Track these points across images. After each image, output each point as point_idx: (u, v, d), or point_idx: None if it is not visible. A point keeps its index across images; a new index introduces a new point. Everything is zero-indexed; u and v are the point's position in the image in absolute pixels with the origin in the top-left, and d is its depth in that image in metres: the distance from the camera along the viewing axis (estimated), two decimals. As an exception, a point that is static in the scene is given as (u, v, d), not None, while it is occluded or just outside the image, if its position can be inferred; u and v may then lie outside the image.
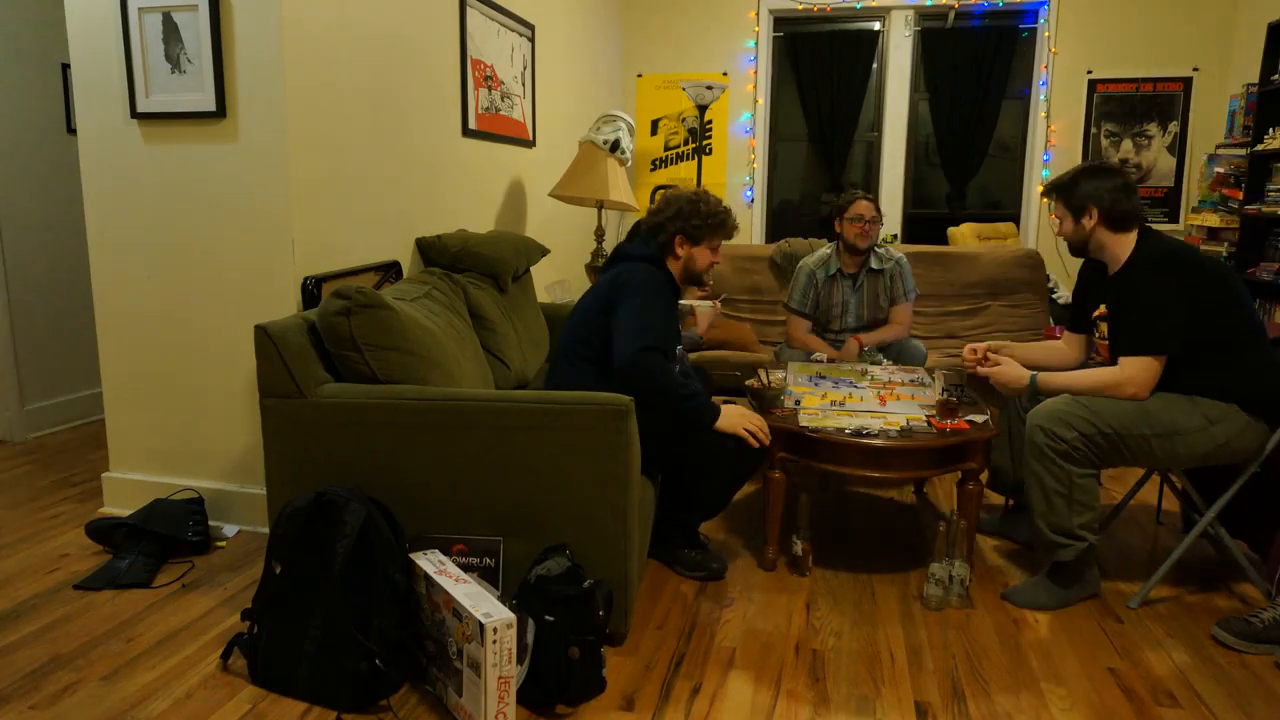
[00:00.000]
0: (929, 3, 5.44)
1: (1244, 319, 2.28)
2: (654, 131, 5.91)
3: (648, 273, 2.50)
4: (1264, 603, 2.38)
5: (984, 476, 2.52)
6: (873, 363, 3.19)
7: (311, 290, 2.63)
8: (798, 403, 2.66)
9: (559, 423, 2.03)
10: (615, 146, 4.04)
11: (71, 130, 3.95)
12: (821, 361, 3.27)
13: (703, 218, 2.54)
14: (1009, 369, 2.52)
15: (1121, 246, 2.37)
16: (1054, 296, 4.71)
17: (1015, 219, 5.59)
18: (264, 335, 2.12)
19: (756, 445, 2.36)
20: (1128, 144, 5.30)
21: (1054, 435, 2.28)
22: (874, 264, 3.42)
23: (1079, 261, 2.58)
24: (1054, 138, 5.41)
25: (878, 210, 3.36)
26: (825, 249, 3.51)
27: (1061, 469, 2.29)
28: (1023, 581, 2.48)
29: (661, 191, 2.72)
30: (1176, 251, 2.30)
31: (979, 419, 2.55)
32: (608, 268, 2.62)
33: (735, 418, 2.36)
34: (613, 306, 2.43)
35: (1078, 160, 5.35)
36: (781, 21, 5.74)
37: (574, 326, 2.55)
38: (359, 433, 2.12)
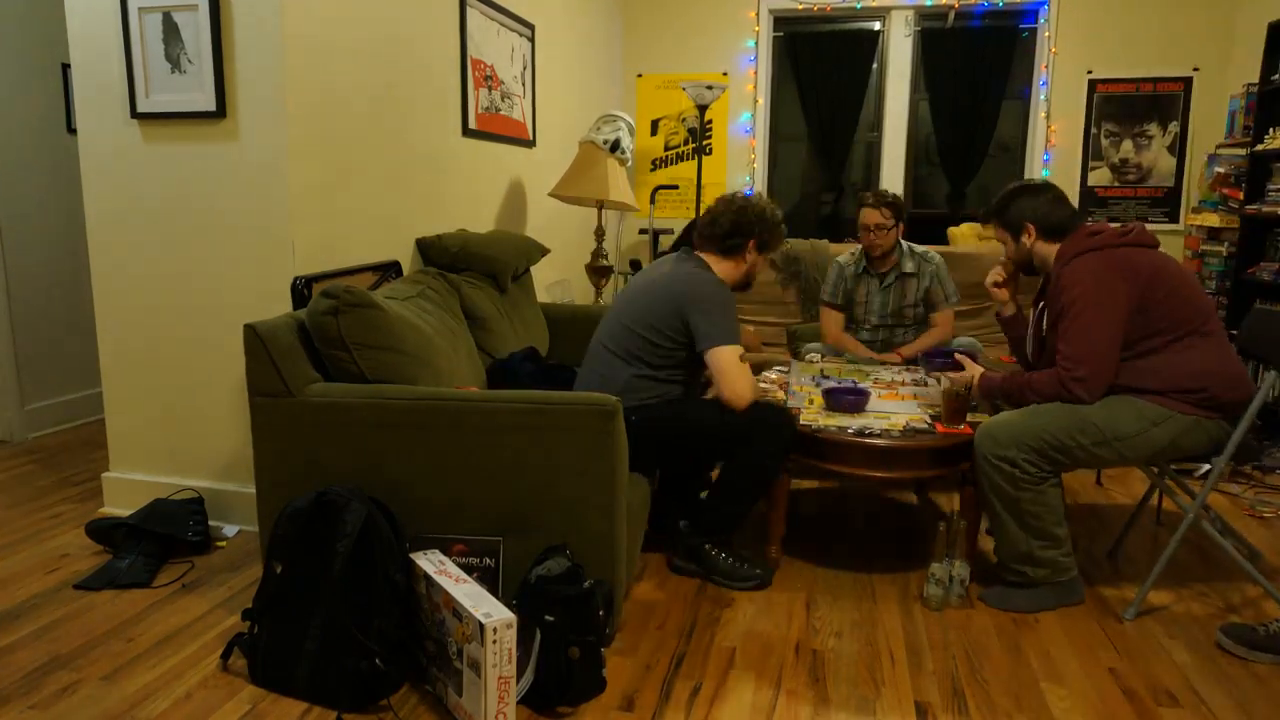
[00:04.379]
0: (929, 3, 5.44)
1: (1181, 312, 2.21)
2: (654, 131, 5.91)
3: (714, 285, 2.47)
4: (1264, 602, 2.38)
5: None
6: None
7: (302, 290, 2.62)
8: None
9: (545, 423, 2.03)
10: (615, 146, 4.03)
11: (71, 130, 3.95)
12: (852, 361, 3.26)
13: (774, 231, 2.56)
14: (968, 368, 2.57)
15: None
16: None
17: (1015, 219, 5.58)
18: (253, 334, 2.12)
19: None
20: (1128, 144, 5.30)
21: (996, 457, 2.27)
22: (907, 267, 3.35)
23: None
24: (1054, 138, 5.40)
25: (894, 214, 3.25)
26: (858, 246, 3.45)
27: (1006, 493, 2.28)
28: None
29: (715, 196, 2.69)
30: (1105, 249, 2.27)
31: (981, 419, 2.55)
32: (676, 248, 2.61)
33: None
34: (687, 313, 2.42)
35: (1078, 160, 5.36)
36: (781, 21, 5.74)
37: (625, 317, 2.50)
38: (348, 432, 2.12)
